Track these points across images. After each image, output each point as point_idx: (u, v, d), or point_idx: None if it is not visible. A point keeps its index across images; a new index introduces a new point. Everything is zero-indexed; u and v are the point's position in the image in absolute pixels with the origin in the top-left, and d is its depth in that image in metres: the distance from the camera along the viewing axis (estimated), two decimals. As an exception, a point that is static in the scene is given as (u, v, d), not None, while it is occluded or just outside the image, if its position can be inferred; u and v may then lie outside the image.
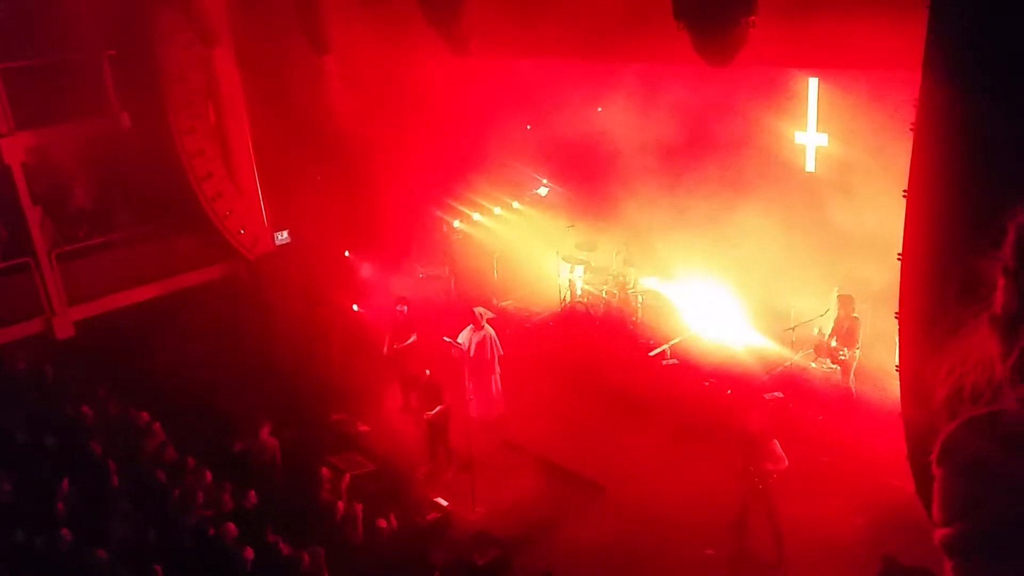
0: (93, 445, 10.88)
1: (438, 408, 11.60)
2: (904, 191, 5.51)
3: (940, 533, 1.30)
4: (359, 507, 9.93)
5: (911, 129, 5.34)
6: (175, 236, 14.35)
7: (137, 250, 13.98)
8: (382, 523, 9.76)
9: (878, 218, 10.24)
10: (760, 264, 13.30)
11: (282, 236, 15.09)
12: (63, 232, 13.69)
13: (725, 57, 7.60)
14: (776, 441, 9.27)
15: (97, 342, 13.23)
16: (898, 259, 5.69)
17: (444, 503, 11.02)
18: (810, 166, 13.07)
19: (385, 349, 13.22)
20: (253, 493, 10.05)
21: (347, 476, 10.63)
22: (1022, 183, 3.98)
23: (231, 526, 9.04)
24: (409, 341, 13.10)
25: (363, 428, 12.94)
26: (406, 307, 13.28)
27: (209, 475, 10.29)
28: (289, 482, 11.02)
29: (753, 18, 7.10)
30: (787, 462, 9.25)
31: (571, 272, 15.62)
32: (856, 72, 11.29)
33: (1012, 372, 1.27)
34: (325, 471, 10.65)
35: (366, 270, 16.21)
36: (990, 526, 1.22)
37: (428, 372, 11.85)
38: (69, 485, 10.02)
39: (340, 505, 9.91)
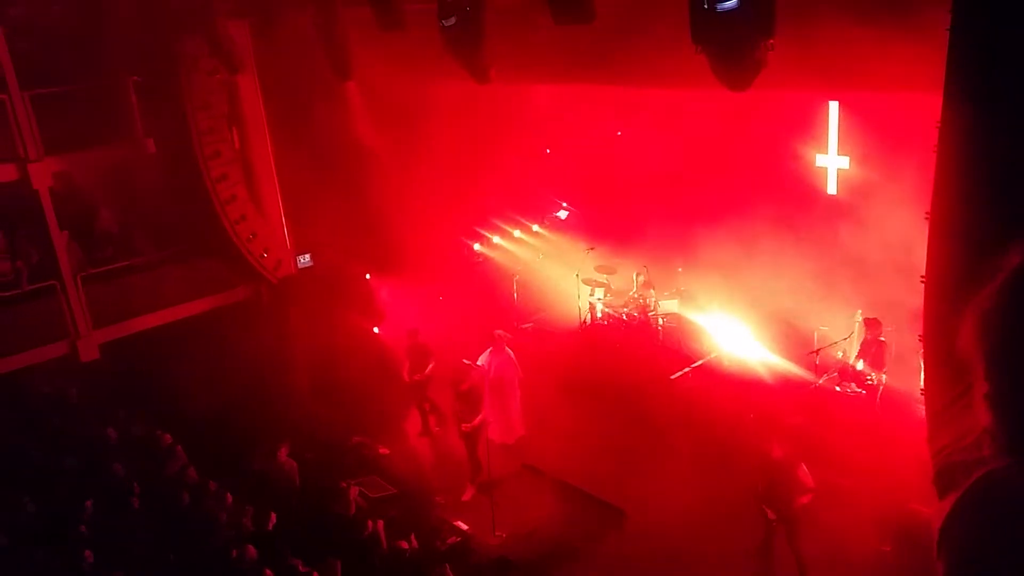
0: (116, 467, 10.96)
1: (479, 418, 11.52)
2: (926, 214, 5.46)
3: None
4: (381, 523, 9.93)
5: (933, 151, 5.31)
6: (199, 259, 14.50)
7: (161, 273, 14.13)
8: (403, 544, 9.73)
9: (900, 240, 10.17)
10: (782, 287, 13.21)
11: (304, 259, 15.20)
12: (89, 255, 13.88)
13: (744, 81, 7.60)
14: (803, 466, 9.13)
15: (121, 365, 13.36)
16: (921, 282, 5.63)
17: (464, 527, 10.96)
18: (832, 189, 13.00)
19: (406, 377, 13.18)
20: (274, 515, 10.06)
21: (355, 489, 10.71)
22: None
23: (252, 549, 9.04)
24: (428, 369, 13.07)
25: (383, 451, 12.95)
26: (418, 334, 13.26)
27: (230, 497, 10.32)
28: (307, 504, 11.02)
29: (772, 41, 7.10)
30: (814, 487, 9.09)
31: (591, 294, 15.59)
32: (876, 94, 11.24)
33: (1007, 442, 1.20)
34: (352, 488, 10.67)
35: (387, 293, 16.28)
36: None
37: (468, 384, 11.65)
38: (92, 507, 10.08)
39: (369, 523, 9.90)
